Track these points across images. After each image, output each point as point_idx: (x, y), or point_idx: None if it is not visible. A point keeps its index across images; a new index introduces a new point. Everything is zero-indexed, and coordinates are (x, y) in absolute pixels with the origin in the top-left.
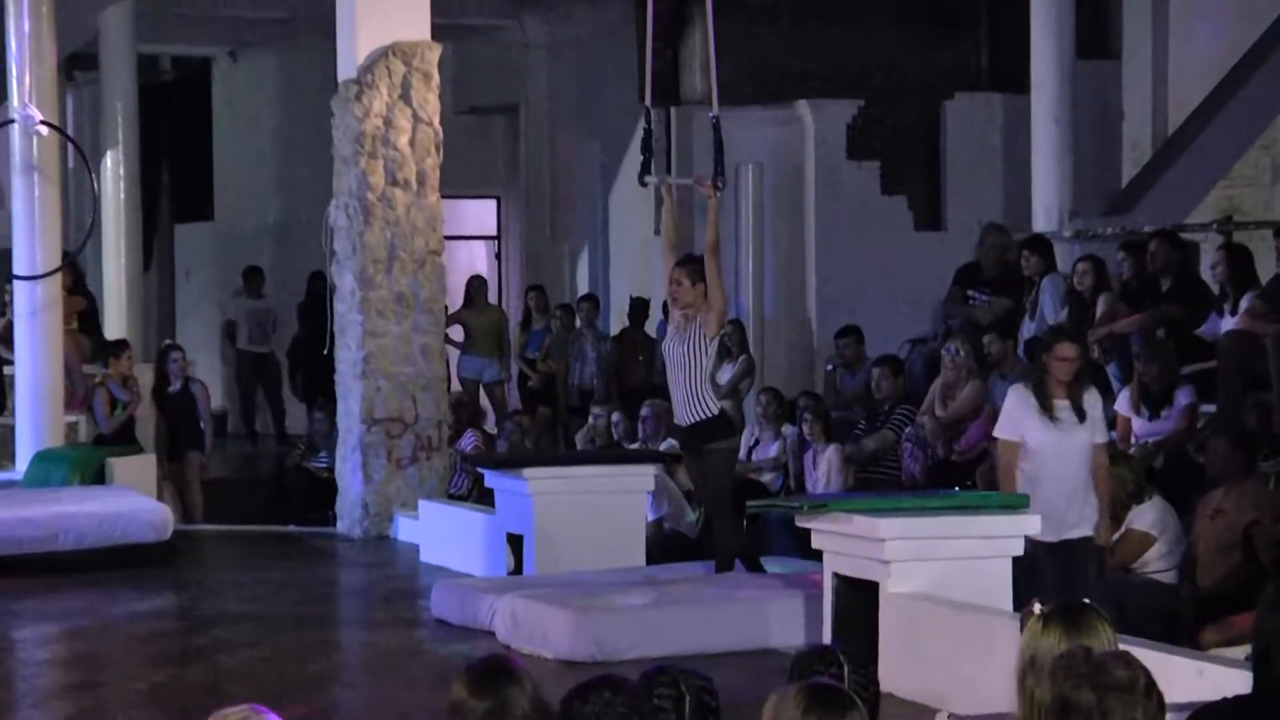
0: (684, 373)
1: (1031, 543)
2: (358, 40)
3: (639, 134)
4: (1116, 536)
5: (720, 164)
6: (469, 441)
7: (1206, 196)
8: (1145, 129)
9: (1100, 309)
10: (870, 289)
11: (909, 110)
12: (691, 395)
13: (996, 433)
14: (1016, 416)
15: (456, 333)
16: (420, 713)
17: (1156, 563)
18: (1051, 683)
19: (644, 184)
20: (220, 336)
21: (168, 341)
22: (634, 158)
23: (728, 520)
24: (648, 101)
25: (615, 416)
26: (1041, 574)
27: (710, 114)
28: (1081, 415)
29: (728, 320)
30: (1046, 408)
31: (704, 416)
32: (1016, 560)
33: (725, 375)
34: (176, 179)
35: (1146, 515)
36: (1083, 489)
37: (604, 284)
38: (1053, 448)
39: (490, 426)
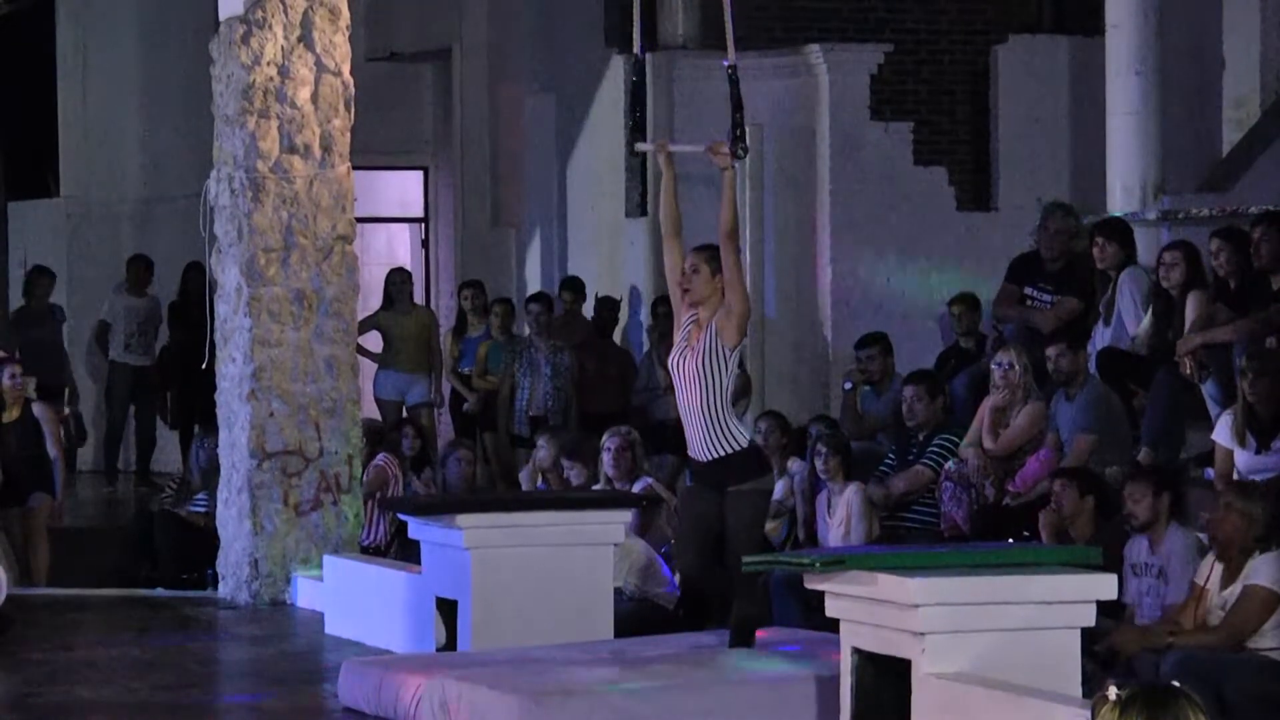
0: (699, 396)
1: None
2: None
3: (606, 86)
4: (1230, 591)
5: (740, 126)
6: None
7: None
8: (1253, 80)
9: (1191, 312)
10: (900, 285)
11: (950, 58)
12: (710, 424)
13: None
14: None
15: (373, 341)
16: None
17: (1272, 635)
18: None
19: (636, 152)
20: (90, 343)
21: (0, 353)
22: (598, 117)
23: (750, 581)
24: (637, 48)
25: None
26: None
27: (725, 61)
28: None
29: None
30: None
31: (729, 450)
32: None
33: None
34: (10, 143)
35: (1270, 568)
36: None
37: (560, 279)
38: None
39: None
